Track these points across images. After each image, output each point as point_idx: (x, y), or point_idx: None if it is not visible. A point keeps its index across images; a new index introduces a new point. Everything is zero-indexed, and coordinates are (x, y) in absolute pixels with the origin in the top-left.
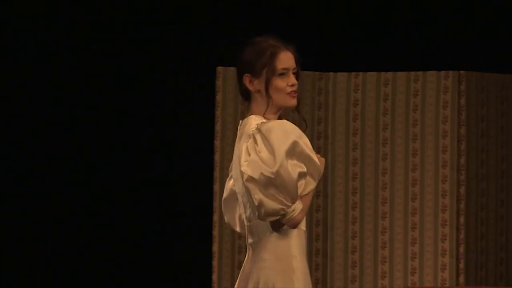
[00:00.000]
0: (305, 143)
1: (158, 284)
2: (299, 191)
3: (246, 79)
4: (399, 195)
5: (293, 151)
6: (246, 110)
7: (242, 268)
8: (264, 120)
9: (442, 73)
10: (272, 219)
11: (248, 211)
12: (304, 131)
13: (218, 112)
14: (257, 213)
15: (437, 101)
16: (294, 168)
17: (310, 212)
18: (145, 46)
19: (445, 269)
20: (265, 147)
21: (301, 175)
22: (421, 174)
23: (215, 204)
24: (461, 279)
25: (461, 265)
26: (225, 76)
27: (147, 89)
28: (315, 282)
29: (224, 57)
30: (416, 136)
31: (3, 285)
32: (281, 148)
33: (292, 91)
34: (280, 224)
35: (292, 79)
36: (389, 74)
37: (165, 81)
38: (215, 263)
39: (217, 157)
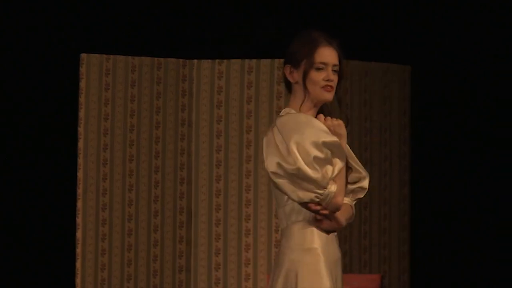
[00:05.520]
0: (320, 129)
1: (22, 269)
2: (328, 176)
3: (287, 70)
4: (263, 182)
5: (310, 142)
6: (287, 102)
7: None
8: (292, 112)
9: None
10: (312, 207)
11: (277, 199)
12: (346, 127)
13: (81, 99)
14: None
15: None
16: (314, 158)
17: (174, 200)
18: (9, 32)
19: None
20: (282, 142)
21: (323, 162)
22: None
23: (79, 191)
24: None
25: None
26: (88, 62)
27: (11, 76)
28: (178, 269)
29: (88, 44)
30: None
31: None
32: (296, 142)
33: (327, 85)
34: (316, 210)
35: (329, 75)
36: (253, 62)
37: (29, 67)
38: (79, 250)
39: (80, 144)
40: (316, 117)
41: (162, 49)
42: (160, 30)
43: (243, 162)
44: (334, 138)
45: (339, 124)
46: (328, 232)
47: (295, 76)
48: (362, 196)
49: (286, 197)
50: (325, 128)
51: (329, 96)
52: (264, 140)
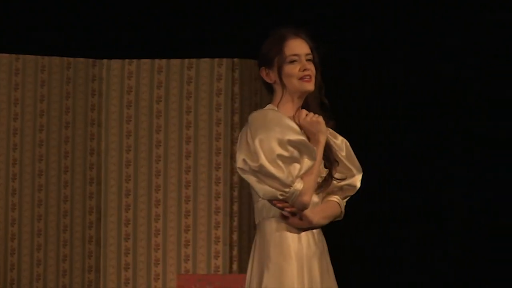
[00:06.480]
0: (287, 127)
1: None
2: (294, 174)
3: (263, 72)
4: (172, 182)
5: (274, 139)
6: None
7: None
8: (270, 108)
9: (216, 60)
10: (276, 204)
11: (252, 195)
12: (330, 120)
13: None
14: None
15: (210, 89)
16: (278, 156)
17: (83, 200)
18: None
19: (219, 256)
20: (249, 139)
21: (288, 160)
22: (194, 161)
23: None
24: (234, 266)
25: (235, 253)
26: None
27: None
28: (88, 269)
29: None
30: (189, 124)
31: None
32: (260, 139)
33: (304, 75)
34: (281, 208)
35: (304, 64)
36: (163, 61)
37: None
38: None
39: None
40: (298, 112)
41: (72, 49)
42: (70, 29)
43: (153, 162)
44: (301, 137)
45: (317, 121)
46: (302, 229)
47: (272, 76)
48: (352, 194)
49: None
50: (293, 126)
51: (309, 86)
52: (239, 135)
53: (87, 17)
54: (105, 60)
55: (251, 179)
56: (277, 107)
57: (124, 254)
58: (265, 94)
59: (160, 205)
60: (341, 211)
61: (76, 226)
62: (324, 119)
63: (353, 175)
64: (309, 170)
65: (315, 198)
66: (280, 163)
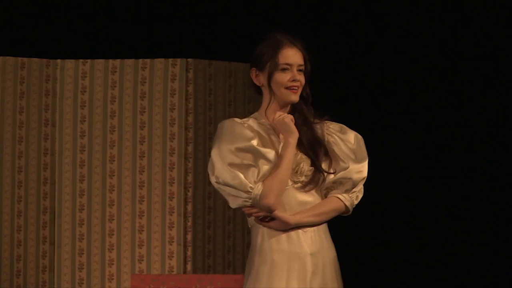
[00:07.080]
0: (238, 135)
1: None
2: (251, 179)
3: (253, 73)
4: (126, 182)
5: (225, 149)
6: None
7: None
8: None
9: (170, 60)
10: (246, 211)
11: None
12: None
13: None
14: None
15: (165, 89)
16: (229, 165)
17: (37, 200)
18: None
19: (173, 256)
20: (211, 151)
21: (241, 167)
22: (148, 162)
23: None
24: (189, 266)
25: (189, 253)
26: None
27: None
28: (42, 269)
29: None
30: (144, 124)
31: None
32: (213, 152)
33: (292, 86)
34: (251, 213)
35: (295, 75)
36: (117, 61)
37: None
38: None
39: None
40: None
41: (26, 49)
42: (23, 29)
43: (107, 162)
44: (249, 143)
45: (282, 121)
46: (289, 229)
47: (261, 79)
48: (352, 187)
49: None
50: (245, 133)
51: (294, 97)
52: None
53: (41, 17)
54: (59, 60)
55: (220, 190)
56: (266, 112)
57: (78, 254)
58: (220, 95)
59: (114, 205)
60: (346, 206)
61: (30, 226)
62: (320, 115)
63: (345, 168)
64: (270, 173)
65: (306, 197)
66: (234, 170)
